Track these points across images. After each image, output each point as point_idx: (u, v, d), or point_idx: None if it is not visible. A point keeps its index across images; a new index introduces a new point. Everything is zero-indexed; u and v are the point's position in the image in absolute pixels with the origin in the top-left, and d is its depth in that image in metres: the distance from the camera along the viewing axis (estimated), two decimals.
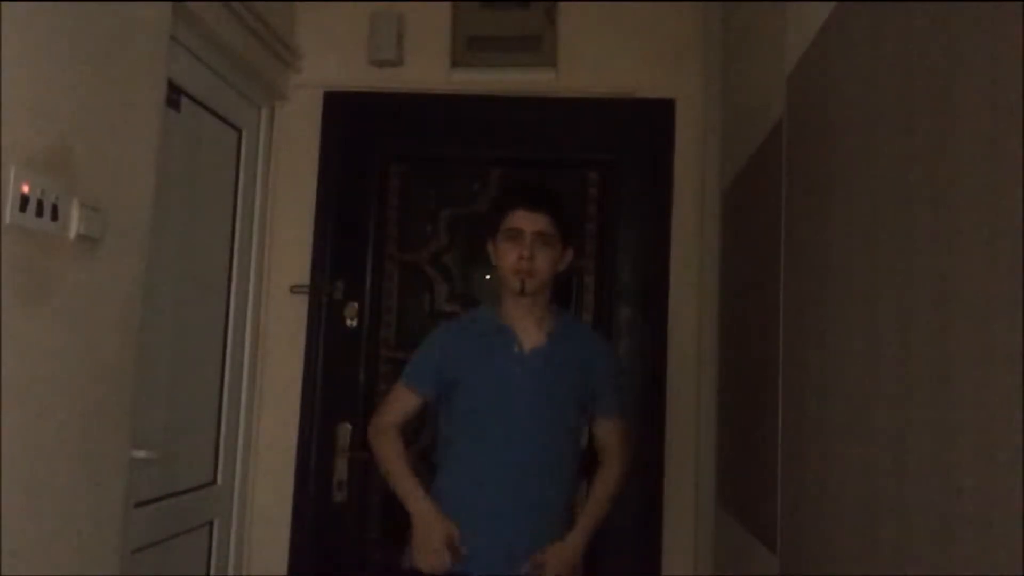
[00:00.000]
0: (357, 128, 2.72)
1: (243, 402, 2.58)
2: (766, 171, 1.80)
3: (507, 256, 2.02)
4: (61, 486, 1.58)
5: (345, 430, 2.60)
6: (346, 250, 2.68)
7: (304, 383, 2.64)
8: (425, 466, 2.18)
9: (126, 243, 1.75)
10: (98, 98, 1.64)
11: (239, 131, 2.55)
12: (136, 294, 1.80)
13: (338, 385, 2.63)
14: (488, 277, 2.65)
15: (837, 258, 1.28)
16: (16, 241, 1.42)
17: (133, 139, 1.78)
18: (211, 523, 2.46)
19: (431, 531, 1.96)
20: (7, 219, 1.39)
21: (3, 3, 1.36)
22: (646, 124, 2.67)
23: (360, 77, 2.71)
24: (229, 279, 2.52)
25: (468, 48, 2.72)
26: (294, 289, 2.66)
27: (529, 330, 2.04)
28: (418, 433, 2.33)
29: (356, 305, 2.64)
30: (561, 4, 2.70)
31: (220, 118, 2.42)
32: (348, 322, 2.64)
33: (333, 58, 2.73)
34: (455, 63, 2.71)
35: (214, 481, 2.46)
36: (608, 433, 2.12)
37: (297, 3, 2.73)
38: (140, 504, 2.02)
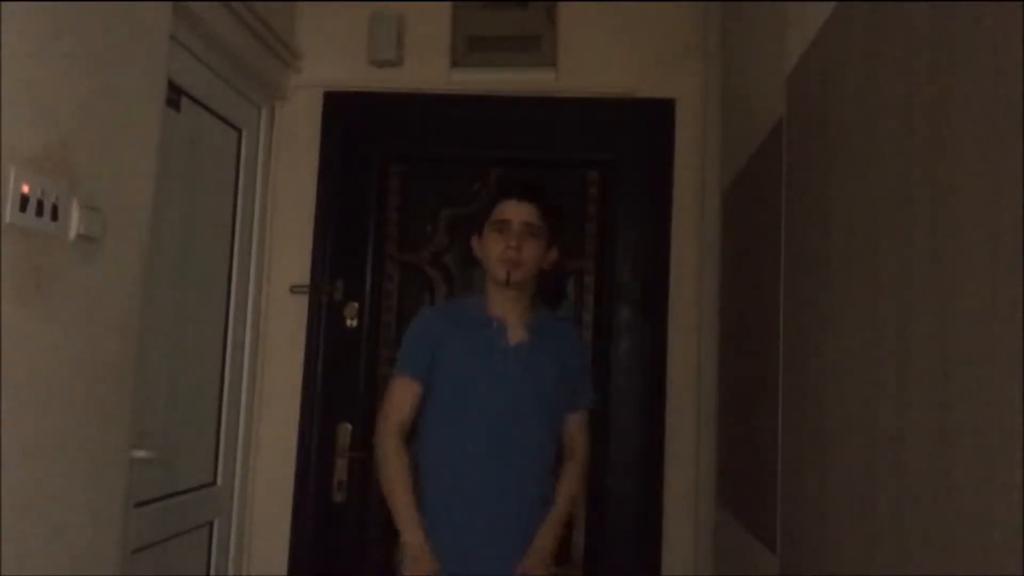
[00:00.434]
0: (357, 128, 2.72)
1: (243, 402, 2.58)
2: (766, 171, 1.80)
3: (494, 247, 2.02)
4: (61, 486, 1.58)
5: (345, 430, 2.60)
6: (346, 250, 2.67)
7: (304, 383, 2.63)
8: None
9: (126, 243, 1.75)
10: (98, 98, 1.64)
11: (239, 131, 2.55)
12: (136, 294, 1.80)
13: (338, 385, 2.63)
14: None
15: (837, 258, 1.28)
16: (16, 241, 1.42)
17: (133, 139, 1.78)
18: (211, 523, 2.46)
19: (418, 565, 1.94)
20: (7, 219, 1.39)
21: (3, 3, 1.36)
22: (646, 124, 2.67)
23: (360, 77, 2.71)
24: (229, 279, 2.52)
25: (468, 48, 2.72)
26: (294, 289, 2.66)
27: (513, 324, 2.05)
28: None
29: (356, 305, 2.64)
30: (561, 4, 2.70)
31: (220, 118, 2.42)
32: (348, 322, 2.64)
33: (333, 58, 2.73)
34: (455, 63, 2.71)
35: (214, 481, 2.46)
36: (577, 427, 2.13)
37: (297, 3, 2.73)
38: (140, 504, 2.02)
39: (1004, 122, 0.76)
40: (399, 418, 2.04)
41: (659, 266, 2.60)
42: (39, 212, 1.46)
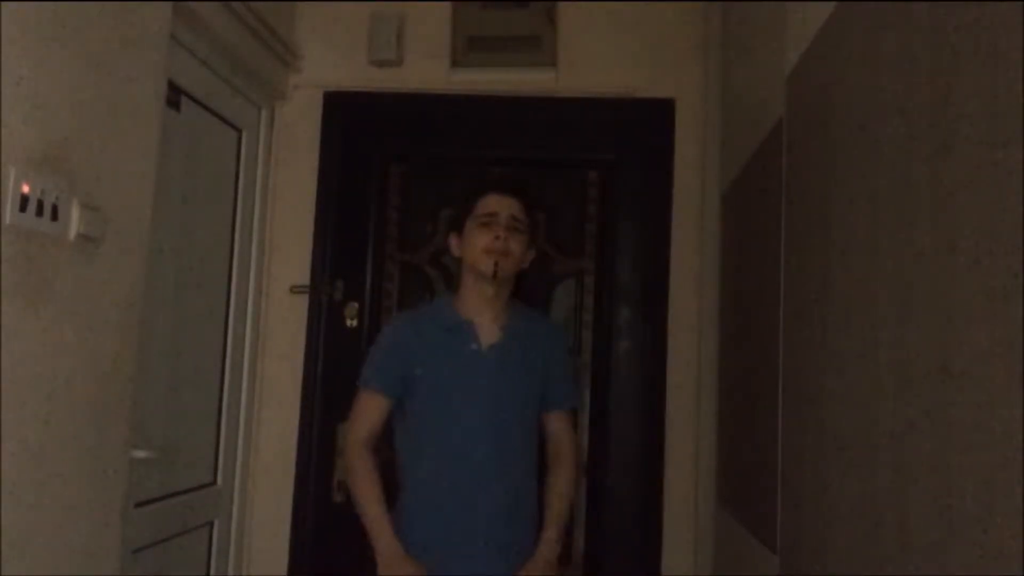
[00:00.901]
0: (357, 128, 2.72)
1: (243, 402, 2.58)
2: (766, 171, 1.80)
3: (479, 239, 1.97)
4: (61, 486, 1.58)
5: (345, 430, 2.59)
6: (346, 250, 2.68)
7: (304, 383, 2.64)
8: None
9: (126, 243, 1.75)
10: (98, 98, 1.64)
11: (239, 131, 2.55)
12: (136, 294, 1.80)
13: (338, 385, 2.63)
14: None
15: (837, 258, 1.28)
16: (16, 241, 1.42)
17: (133, 139, 1.78)
18: (211, 523, 2.46)
19: (397, 570, 1.90)
20: (7, 219, 1.39)
21: (3, 3, 1.36)
22: (646, 124, 2.67)
23: (360, 77, 2.71)
24: (229, 279, 2.52)
25: (468, 48, 2.72)
26: (294, 289, 2.66)
27: (485, 325, 2.00)
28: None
29: (356, 305, 2.64)
30: (561, 4, 2.70)
31: (220, 118, 2.42)
32: (348, 322, 2.64)
33: (333, 58, 2.73)
34: (455, 63, 2.71)
35: (214, 481, 2.46)
36: (561, 427, 2.08)
37: (297, 3, 2.73)
38: (140, 504, 2.02)
39: (1004, 122, 0.76)
40: (365, 432, 2.00)
41: (659, 266, 2.60)
42: (39, 212, 1.46)
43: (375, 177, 2.71)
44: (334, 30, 2.73)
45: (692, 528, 2.49)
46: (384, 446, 2.06)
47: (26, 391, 1.46)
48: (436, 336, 2.01)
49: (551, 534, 1.99)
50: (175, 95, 2.11)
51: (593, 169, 2.73)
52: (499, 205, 1.99)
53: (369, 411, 2.01)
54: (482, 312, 2.01)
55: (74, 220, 1.55)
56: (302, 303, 2.65)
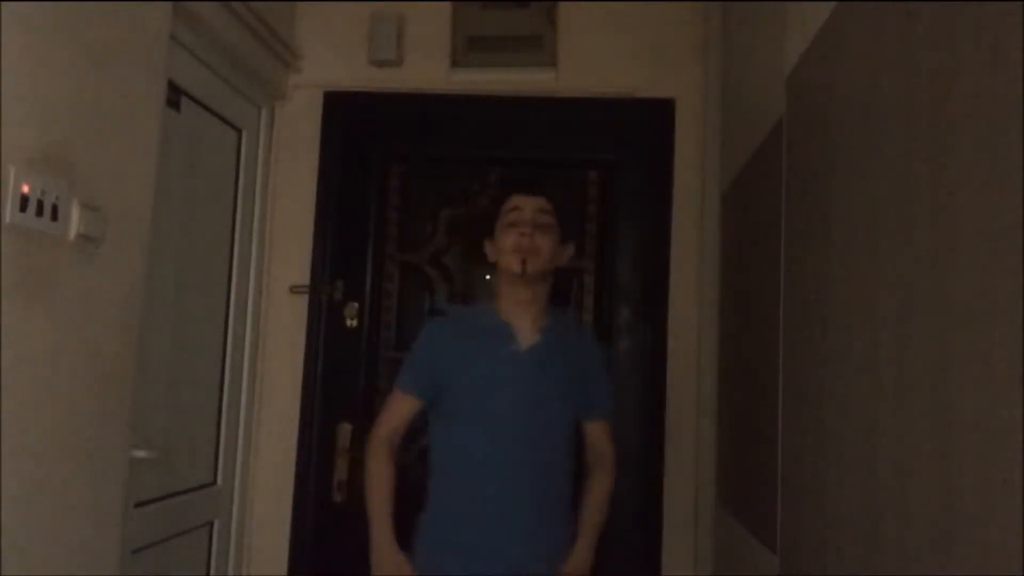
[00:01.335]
0: (357, 128, 2.72)
1: (243, 402, 2.58)
2: (766, 171, 1.80)
3: (507, 240, 1.97)
4: (61, 486, 1.58)
5: (345, 430, 2.60)
6: (346, 250, 2.68)
7: (304, 383, 2.63)
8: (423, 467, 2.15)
9: (126, 243, 1.75)
10: (98, 98, 1.64)
11: (239, 131, 2.55)
12: (136, 294, 1.80)
13: (338, 385, 2.63)
14: (488, 277, 2.64)
15: (837, 258, 1.28)
16: (16, 241, 1.42)
17: (133, 139, 1.78)
18: (211, 523, 2.46)
19: (387, 566, 1.91)
20: (7, 219, 1.39)
21: (3, 3, 1.36)
22: (646, 124, 2.67)
23: (360, 77, 2.71)
24: (229, 279, 2.52)
25: (468, 48, 2.72)
26: (294, 289, 2.66)
27: (524, 328, 2.00)
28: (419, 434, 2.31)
29: (356, 305, 2.64)
30: (561, 4, 2.70)
31: (220, 118, 2.42)
32: (348, 322, 2.64)
33: (333, 58, 2.73)
34: (455, 63, 2.71)
35: (214, 481, 2.46)
36: (600, 436, 2.09)
37: (297, 3, 2.73)
38: (140, 504, 2.02)
39: (1004, 122, 0.76)
40: (388, 430, 2.01)
41: (659, 266, 2.60)
42: (39, 212, 1.46)
43: (375, 177, 2.71)
44: (334, 30, 2.73)
45: (692, 528, 2.49)
46: (402, 451, 2.07)
47: (26, 391, 1.46)
48: (475, 337, 2.02)
49: (585, 543, 2.00)
50: (175, 95, 2.11)
51: (593, 169, 2.73)
52: (524, 202, 2.00)
53: (397, 410, 2.03)
54: (520, 315, 2.01)
55: (74, 220, 1.56)
56: (302, 303, 2.65)
